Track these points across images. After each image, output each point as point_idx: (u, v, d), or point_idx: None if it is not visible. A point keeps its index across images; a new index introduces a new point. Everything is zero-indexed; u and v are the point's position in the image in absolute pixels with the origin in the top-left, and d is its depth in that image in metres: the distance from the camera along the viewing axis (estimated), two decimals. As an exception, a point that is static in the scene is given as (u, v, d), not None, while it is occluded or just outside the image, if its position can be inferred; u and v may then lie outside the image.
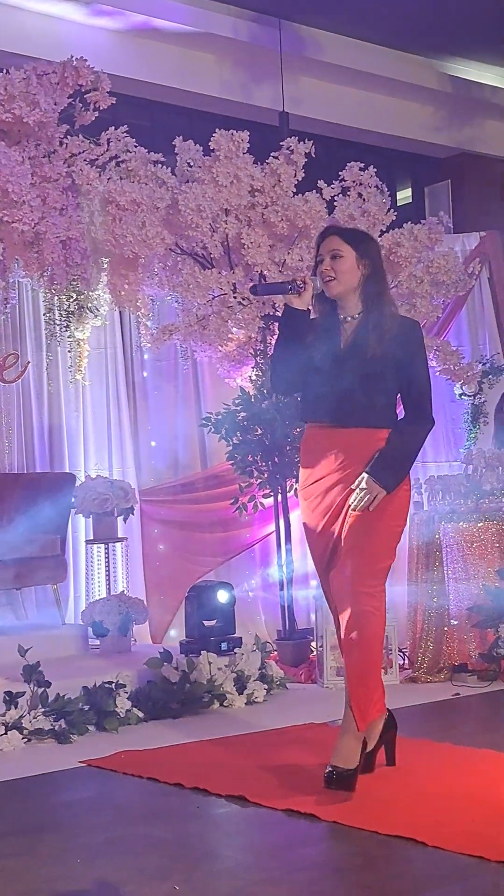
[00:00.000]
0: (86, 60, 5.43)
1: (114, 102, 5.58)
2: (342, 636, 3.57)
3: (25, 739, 4.57)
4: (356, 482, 3.60)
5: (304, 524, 3.82)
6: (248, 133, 5.84)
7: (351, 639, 3.51)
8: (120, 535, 6.56)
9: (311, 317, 3.76)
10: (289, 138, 6.05)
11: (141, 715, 4.92)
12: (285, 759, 3.93)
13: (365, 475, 3.58)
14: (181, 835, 3.13)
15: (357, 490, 3.58)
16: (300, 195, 5.89)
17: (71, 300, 6.27)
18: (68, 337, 6.71)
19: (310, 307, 3.72)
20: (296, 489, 5.16)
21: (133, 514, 6.54)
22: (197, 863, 2.86)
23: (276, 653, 6.02)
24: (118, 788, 3.79)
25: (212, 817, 3.35)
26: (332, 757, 3.49)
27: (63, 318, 6.25)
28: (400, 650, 5.86)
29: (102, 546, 6.49)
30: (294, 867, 2.80)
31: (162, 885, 2.66)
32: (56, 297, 6.36)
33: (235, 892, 2.61)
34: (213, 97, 7.81)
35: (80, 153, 5.59)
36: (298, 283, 3.68)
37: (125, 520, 6.51)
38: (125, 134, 5.79)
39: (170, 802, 3.53)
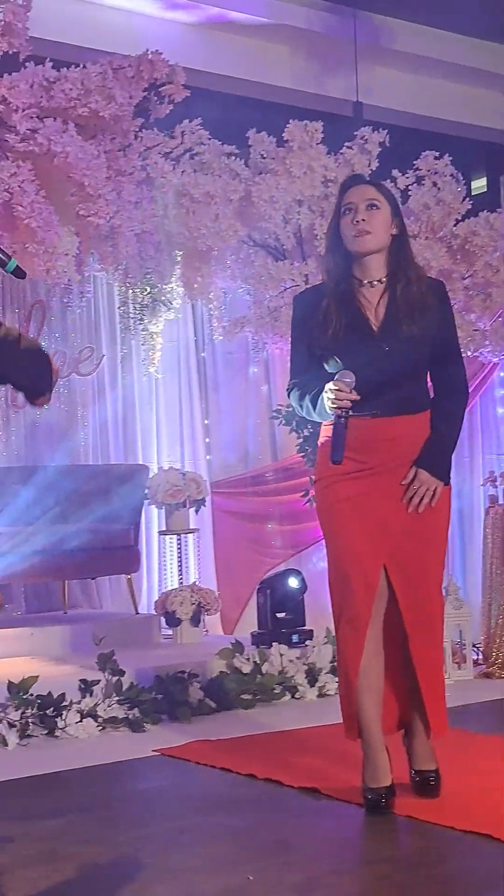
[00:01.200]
0: (160, 54, 5.44)
1: (188, 95, 5.59)
2: (413, 635, 3.28)
3: (100, 727, 4.61)
4: (408, 477, 3.25)
5: (337, 526, 3.31)
6: (322, 123, 5.81)
7: (426, 640, 3.30)
8: (192, 527, 6.60)
9: (319, 281, 3.38)
10: (363, 128, 6.01)
11: (213, 705, 4.95)
12: (358, 753, 3.92)
13: (418, 469, 3.24)
14: (254, 825, 3.14)
15: (413, 487, 3.24)
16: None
17: (145, 293, 6.31)
18: (142, 330, 6.77)
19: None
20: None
21: (205, 505, 6.57)
22: (270, 853, 2.87)
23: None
24: (191, 778, 3.82)
25: (284, 808, 3.35)
26: (415, 761, 3.35)
27: (137, 312, 6.30)
28: (474, 645, 5.80)
29: (175, 537, 6.53)
30: (366, 859, 2.80)
31: (234, 875, 2.67)
32: (130, 291, 6.41)
33: (308, 883, 2.61)
34: (287, 88, 7.78)
35: (154, 146, 5.61)
36: (344, 408, 3.13)
37: (197, 511, 6.54)
38: (199, 126, 5.80)
39: (242, 792, 3.54)
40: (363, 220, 3.24)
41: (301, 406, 3.34)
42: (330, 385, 3.15)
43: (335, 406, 3.12)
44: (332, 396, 3.13)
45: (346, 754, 3.69)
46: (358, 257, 3.30)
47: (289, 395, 3.44)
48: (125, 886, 2.63)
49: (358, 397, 3.12)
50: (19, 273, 2.58)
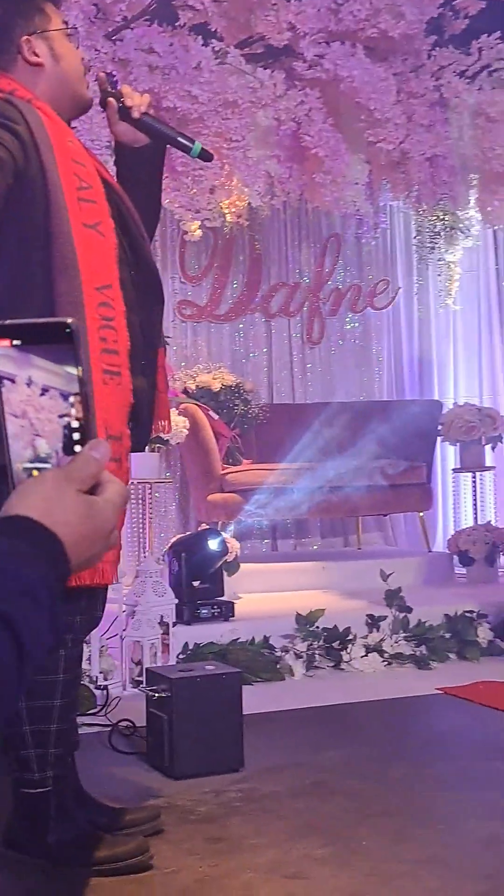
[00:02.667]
0: (454, -35, 5.18)
1: (483, 7, 5.29)
2: None
3: (385, 663, 4.57)
4: None
5: None
6: None
7: None
8: (488, 464, 6.37)
9: None
10: None
11: (503, 646, 4.79)
12: None
13: None
14: (533, 772, 2.99)
15: None
16: None
17: (440, 221, 6.11)
18: (438, 260, 6.57)
19: None
20: None
21: (502, 442, 6.32)
22: (546, 803, 2.72)
23: None
24: (472, 719, 3.69)
25: None
26: None
27: (431, 241, 6.10)
28: None
29: (469, 475, 6.34)
30: None
31: (500, 825, 2.55)
32: (426, 220, 6.23)
33: None
34: None
35: (448, 65, 5.38)
36: None
37: (493, 448, 6.31)
38: (498, 41, 5.49)
39: (525, 738, 3.39)
40: None
41: None
42: None
43: None
44: None
45: None
46: None
47: None
48: (385, 827, 2.56)
49: None
50: (205, 155, 2.52)
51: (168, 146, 2.56)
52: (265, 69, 4.91)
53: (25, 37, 2.38)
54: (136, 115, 2.49)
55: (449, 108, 5.31)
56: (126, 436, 2.30)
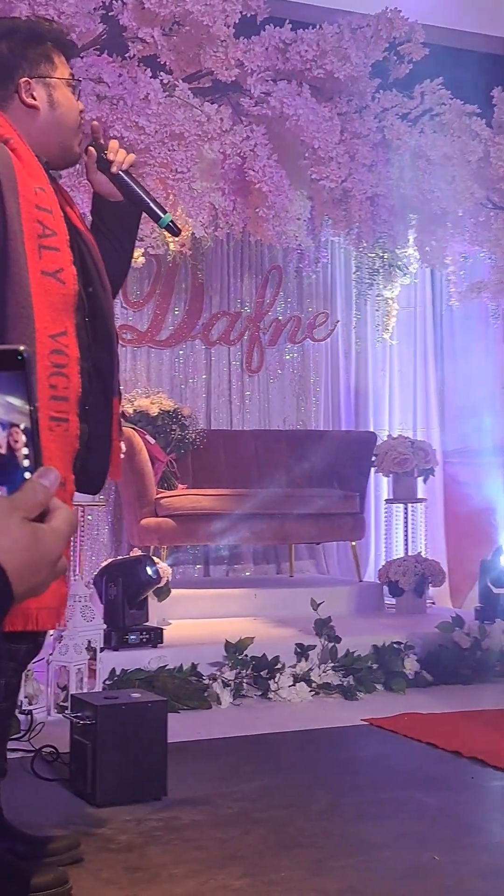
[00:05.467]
0: (400, 11, 5.31)
1: (427, 54, 5.43)
2: None
3: (313, 692, 4.63)
4: None
5: None
6: None
7: None
8: (420, 496, 6.48)
9: None
10: None
11: (430, 678, 4.87)
12: None
13: None
14: (449, 804, 3.06)
15: None
16: None
17: (378, 258, 6.22)
18: (376, 296, 6.69)
19: None
20: None
21: (433, 475, 6.44)
22: (461, 835, 2.78)
23: None
24: (396, 750, 3.76)
25: (485, 789, 3.25)
26: None
27: (370, 277, 6.22)
28: None
29: (401, 506, 6.45)
30: None
31: (421, 854, 2.61)
32: (365, 256, 6.34)
33: (493, 870, 2.51)
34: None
35: (391, 107, 5.50)
36: None
37: (425, 480, 6.42)
38: (440, 86, 5.63)
39: (445, 769, 3.46)
40: None
41: None
42: None
43: None
44: None
45: None
46: None
47: None
48: (305, 857, 2.61)
49: None
50: (173, 229, 2.57)
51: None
52: (212, 104, 4.98)
53: (25, 78, 2.41)
54: (113, 169, 2.53)
55: (391, 150, 5.43)
56: (70, 481, 2.34)
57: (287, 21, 5.21)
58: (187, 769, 3.37)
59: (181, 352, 7.02)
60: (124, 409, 6.26)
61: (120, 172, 2.54)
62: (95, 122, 2.67)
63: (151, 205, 2.55)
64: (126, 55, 4.86)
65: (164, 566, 4.97)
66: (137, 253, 5.31)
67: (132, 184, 2.56)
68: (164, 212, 2.55)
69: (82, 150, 2.56)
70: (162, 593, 5.02)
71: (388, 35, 5.34)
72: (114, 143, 2.56)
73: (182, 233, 5.37)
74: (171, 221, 2.56)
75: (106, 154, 2.53)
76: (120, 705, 3.08)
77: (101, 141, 2.58)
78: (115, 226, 2.60)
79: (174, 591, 5.17)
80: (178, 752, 3.39)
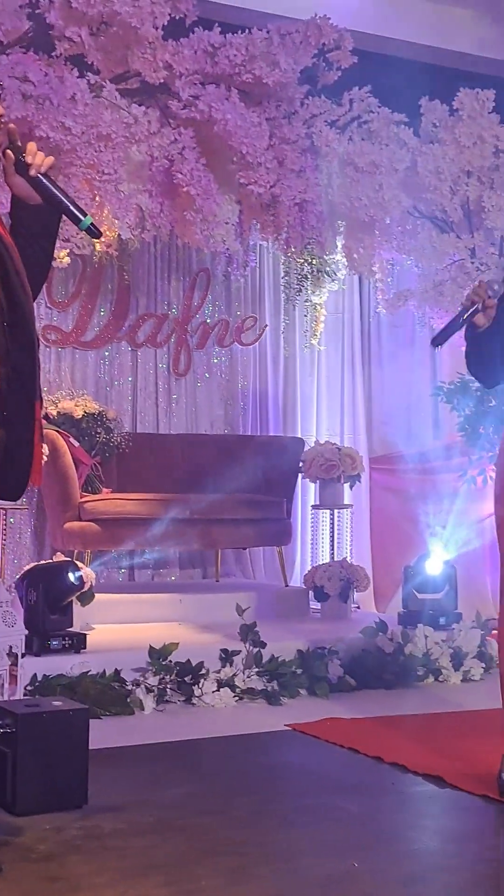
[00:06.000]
0: (329, 19, 5.33)
1: (355, 62, 5.46)
2: None
3: (237, 698, 4.61)
4: None
5: None
6: (494, 92, 5.59)
7: None
8: (346, 502, 6.51)
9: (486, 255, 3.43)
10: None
11: (353, 683, 4.88)
12: (495, 744, 3.78)
13: None
14: (371, 810, 3.06)
15: None
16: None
17: (307, 264, 6.24)
18: (305, 301, 6.70)
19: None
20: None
21: (360, 481, 6.47)
22: (380, 841, 2.79)
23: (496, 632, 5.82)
24: (319, 756, 3.77)
25: (405, 795, 3.26)
26: None
27: (298, 282, 6.23)
28: None
29: (328, 512, 6.47)
30: (480, 857, 2.68)
31: (341, 861, 2.61)
32: (294, 262, 6.35)
33: (413, 877, 2.52)
34: (465, 54, 7.51)
35: (320, 114, 5.53)
36: (476, 304, 3.24)
37: (351, 487, 6.45)
38: (368, 94, 5.67)
39: (366, 775, 3.47)
40: None
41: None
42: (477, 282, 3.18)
43: (468, 300, 3.26)
44: (471, 289, 3.27)
45: (482, 743, 3.57)
46: None
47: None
48: (225, 865, 2.60)
49: (494, 304, 3.20)
50: (93, 232, 2.56)
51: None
52: (140, 105, 4.96)
53: None
54: (31, 172, 2.50)
55: (319, 156, 5.45)
56: None
57: (216, 24, 5.20)
58: (109, 777, 3.33)
59: (107, 353, 6.96)
60: (48, 410, 6.18)
61: (39, 175, 2.51)
62: (12, 125, 2.63)
63: (71, 207, 2.52)
64: (53, 54, 4.81)
65: (87, 571, 4.92)
66: (62, 253, 5.26)
67: (51, 187, 2.53)
68: (84, 214, 2.53)
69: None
70: (86, 598, 4.97)
71: (317, 41, 5.37)
72: (31, 146, 2.53)
73: (106, 234, 5.34)
74: (92, 224, 2.54)
75: (24, 157, 2.50)
76: (41, 714, 3.04)
77: (19, 143, 2.54)
78: (35, 229, 2.56)
79: (98, 596, 5.11)
80: (101, 759, 3.35)
